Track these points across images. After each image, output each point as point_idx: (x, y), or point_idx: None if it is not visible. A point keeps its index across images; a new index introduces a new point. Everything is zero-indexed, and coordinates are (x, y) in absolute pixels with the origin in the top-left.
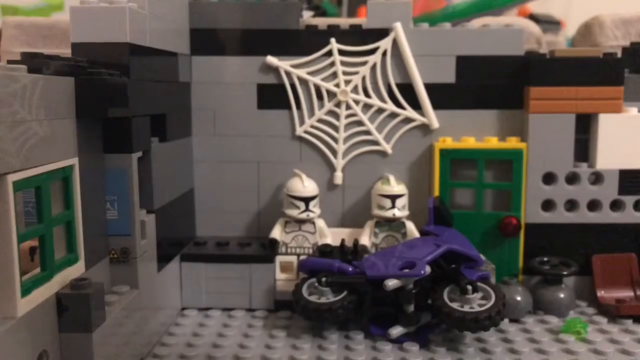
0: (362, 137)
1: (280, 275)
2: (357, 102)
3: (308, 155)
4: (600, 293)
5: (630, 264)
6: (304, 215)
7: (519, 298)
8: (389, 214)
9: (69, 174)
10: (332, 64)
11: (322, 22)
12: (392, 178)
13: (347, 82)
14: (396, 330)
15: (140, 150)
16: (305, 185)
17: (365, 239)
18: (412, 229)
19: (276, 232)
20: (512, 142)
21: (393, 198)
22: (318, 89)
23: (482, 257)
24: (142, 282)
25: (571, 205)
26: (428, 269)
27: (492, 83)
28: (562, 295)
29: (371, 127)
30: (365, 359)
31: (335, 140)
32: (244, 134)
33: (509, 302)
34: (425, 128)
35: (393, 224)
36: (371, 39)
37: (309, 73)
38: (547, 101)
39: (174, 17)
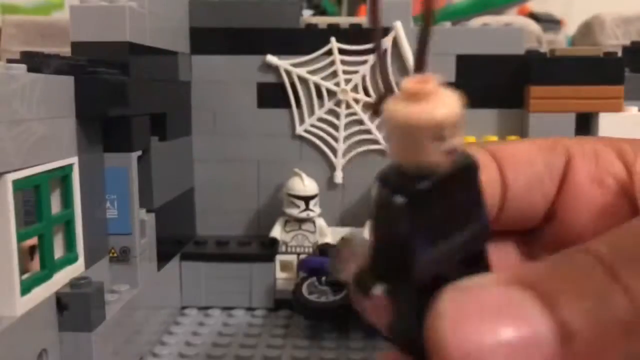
0: (362, 136)
1: (280, 274)
2: (357, 101)
3: (308, 154)
4: None
5: None
6: (304, 215)
7: None
8: None
9: (68, 173)
10: (332, 62)
11: (322, 21)
12: None
13: (347, 81)
14: None
15: (140, 149)
16: (305, 185)
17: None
18: None
19: (276, 231)
20: None
21: None
22: (318, 88)
23: None
24: (142, 281)
25: None
26: None
27: (493, 82)
28: None
29: (371, 126)
30: (364, 359)
31: (336, 139)
32: (244, 133)
33: None
34: None
35: None
36: (371, 38)
37: (309, 72)
38: (548, 100)
39: (173, 15)
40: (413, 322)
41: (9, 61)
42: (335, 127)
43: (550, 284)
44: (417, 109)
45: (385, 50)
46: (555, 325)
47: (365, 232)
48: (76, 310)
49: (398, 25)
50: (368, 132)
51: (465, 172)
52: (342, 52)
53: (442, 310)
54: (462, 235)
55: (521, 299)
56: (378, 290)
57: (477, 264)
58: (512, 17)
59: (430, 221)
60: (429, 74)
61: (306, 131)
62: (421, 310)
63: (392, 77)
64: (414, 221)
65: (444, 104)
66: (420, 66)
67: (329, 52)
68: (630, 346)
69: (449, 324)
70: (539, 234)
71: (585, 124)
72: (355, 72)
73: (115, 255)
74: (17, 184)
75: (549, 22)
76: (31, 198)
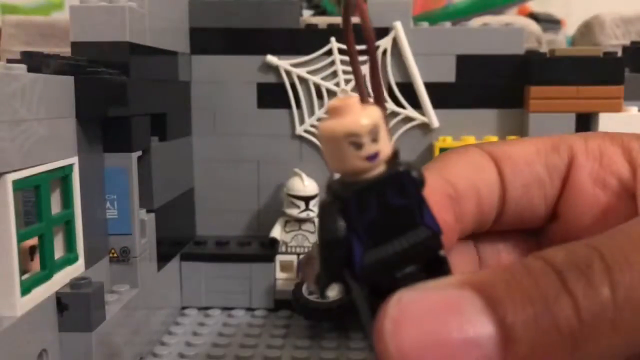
0: None
1: (280, 275)
2: None
3: (308, 155)
4: None
5: None
6: (304, 215)
7: None
8: None
9: (68, 173)
10: (332, 63)
11: (322, 21)
12: None
13: (347, 81)
14: None
15: (140, 149)
16: (306, 185)
17: None
18: None
19: (276, 232)
20: None
21: None
22: (318, 88)
23: None
24: (142, 281)
25: None
26: None
27: (492, 82)
28: None
29: None
30: (364, 359)
31: None
32: (244, 133)
33: None
34: (425, 127)
35: None
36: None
37: (309, 72)
38: (547, 100)
39: (173, 16)
40: (370, 322)
41: (9, 61)
42: None
43: (499, 289)
44: (336, 121)
45: (377, 62)
46: (497, 328)
47: None
48: (76, 310)
49: (398, 25)
50: None
51: (399, 178)
52: (342, 52)
53: (387, 311)
54: (406, 240)
55: (470, 302)
56: (334, 289)
57: (438, 270)
58: (512, 17)
59: (363, 223)
60: (350, 94)
61: (306, 131)
62: (375, 312)
63: (383, 86)
64: (347, 222)
65: (361, 115)
66: (378, 95)
67: (329, 52)
68: (577, 355)
69: (392, 324)
70: (545, 233)
71: (585, 124)
72: None
73: (115, 255)
74: (17, 184)
75: (549, 22)
76: (31, 198)
